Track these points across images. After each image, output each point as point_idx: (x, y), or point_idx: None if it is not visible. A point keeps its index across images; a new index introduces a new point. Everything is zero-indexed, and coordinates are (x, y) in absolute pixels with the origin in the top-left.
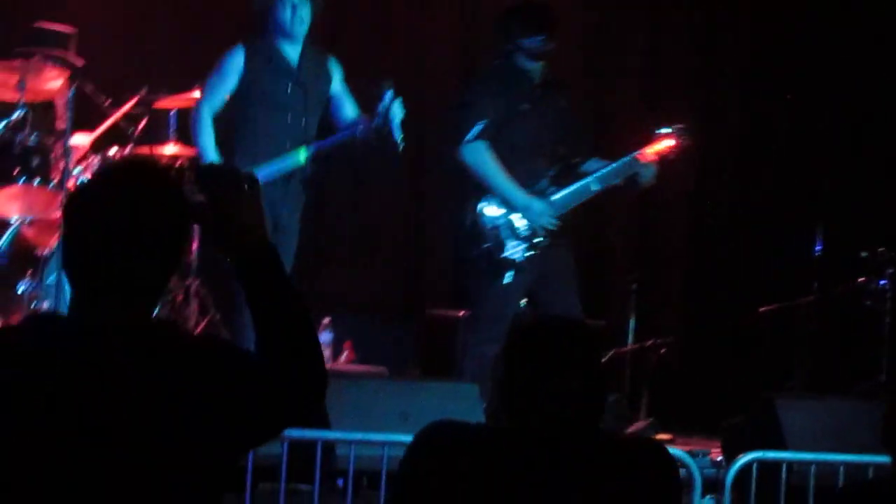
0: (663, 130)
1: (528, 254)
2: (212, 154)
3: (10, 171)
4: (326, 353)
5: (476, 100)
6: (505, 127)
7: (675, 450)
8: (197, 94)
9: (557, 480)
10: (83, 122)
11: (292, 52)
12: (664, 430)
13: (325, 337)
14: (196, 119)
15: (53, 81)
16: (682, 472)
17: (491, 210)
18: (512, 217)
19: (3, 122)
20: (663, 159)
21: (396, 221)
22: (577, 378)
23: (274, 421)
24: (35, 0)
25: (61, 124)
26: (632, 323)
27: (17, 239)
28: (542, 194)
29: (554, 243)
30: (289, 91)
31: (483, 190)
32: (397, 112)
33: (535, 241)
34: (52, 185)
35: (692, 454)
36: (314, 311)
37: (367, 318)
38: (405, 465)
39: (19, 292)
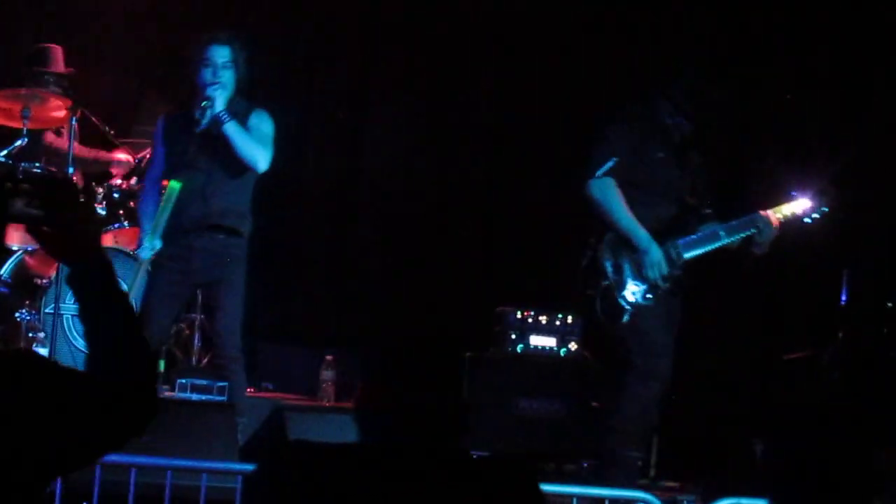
0: (796, 194)
1: (648, 296)
2: (144, 220)
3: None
4: (329, 390)
5: (611, 136)
6: (636, 169)
7: (645, 494)
8: None
9: (410, 497)
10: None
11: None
12: (673, 479)
13: (327, 375)
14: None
15: (58, 111)
16: None
17: (614, 248)
18: (637, 257)
19: (6, 150)
20: (788, 223)
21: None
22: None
23: (95, 440)
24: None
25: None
26: None
27: (19, 268)
28: (669, 238)
29: (673, 291)
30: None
31: (604, 227)
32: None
33: (659, 285)
34: None
35: (675, 501)
36: (324, 346)
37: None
38: (250, 491)
39: (18, 321)
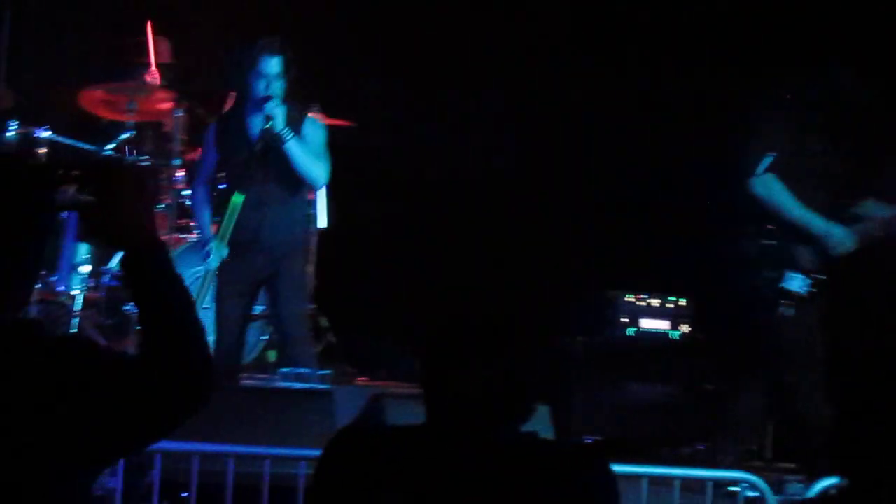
0: None
1: (812, 290)
2: (207, 230)
3: None
4: None
5: (767, 130)
6: (796, 161)
7: (748, 475)
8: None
9: (473, 479)
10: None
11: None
12: (789, 460)
13: None
14: (192, 196)
15: (163, 103)
16: (753, 495)
17: (774, 240)
18: (799, 249)
19: (114, 143)
20: None
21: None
22: (491, 376)
23: (147, 425)
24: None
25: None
26: None
27: None
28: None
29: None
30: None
31: (762, 220)
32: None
33: (818, 277)
34: (162, 206)
35: (783, 481)
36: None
37: None
38: (318, 476)
39: (128, 314)
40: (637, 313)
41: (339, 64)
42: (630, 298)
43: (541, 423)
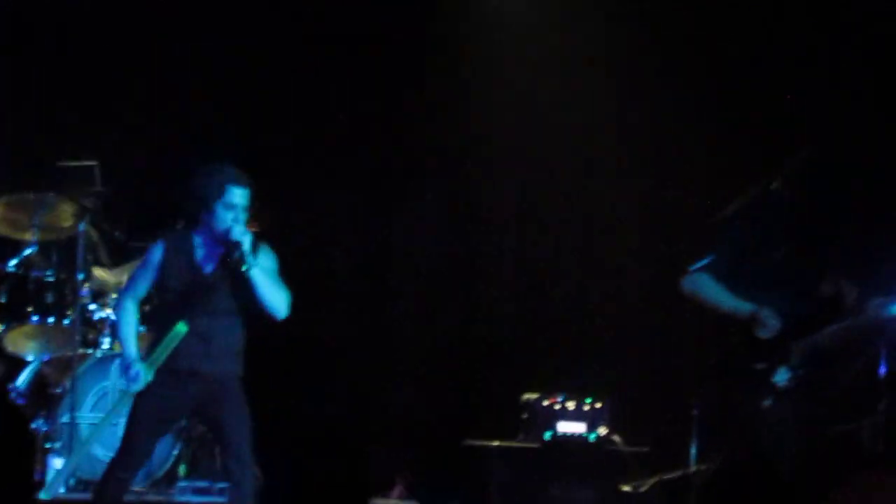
0: None
1: (790, 383)
2: (132, 348)
3: (24, 309)
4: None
5: (724, 233)
6: (753, 263)
7: None
8: None
9: None
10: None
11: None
12: None
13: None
14: (118, 308)
15: (68, 219)
16: None
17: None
18: (783, 345)
19: (16, 259)
20: None
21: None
22: None
23: None
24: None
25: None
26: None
27: (35, 377)
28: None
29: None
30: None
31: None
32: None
33: (800, 371)
34: (66, 321)
35: None
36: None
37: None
38: None
39: (34, 430)
40: (553, 416)
41: None
42: (546, 402)
43: None
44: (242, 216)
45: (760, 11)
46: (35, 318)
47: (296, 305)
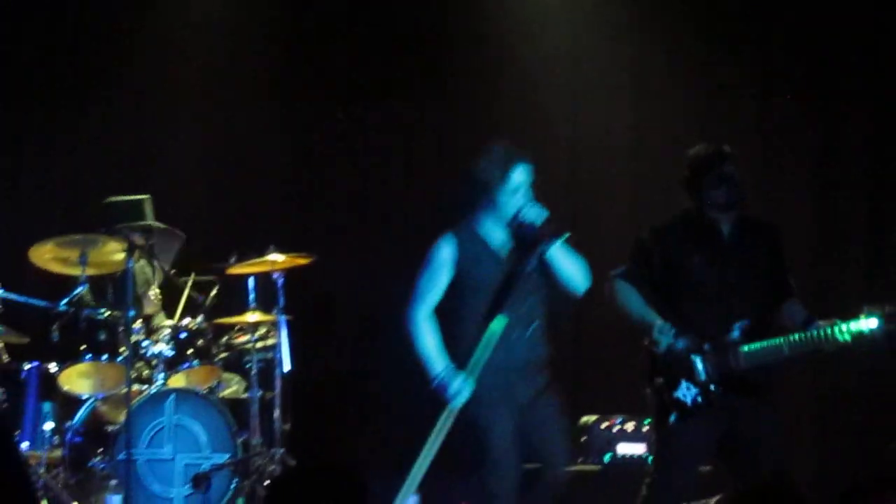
0: (871, 310)
1: (698, 399)
2: (438, 359)
3: (77, 347)
4: None
5: (641, 242)
6: (673, 277)
7: None
8: (272, 257)
9: None
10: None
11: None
12: None
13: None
14: (412, 323)
15: (116, 254)
16: None
17: (670, 346)
18: (694, 358)
19: (67, 298)
20: (858, 342)
21: None
22: None
23: None
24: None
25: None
26: None
27: (91, 416)
28: (731, 344)
29: (747, 402)
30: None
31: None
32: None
33: (710, 388)
34: (119, 359)
35: None
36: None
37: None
38: None
39: (92, 469)
40: (612, 439)
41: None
42: (604, 424)
43: None
44: (529, 194)
45: None
46: (88, 356)
47: None
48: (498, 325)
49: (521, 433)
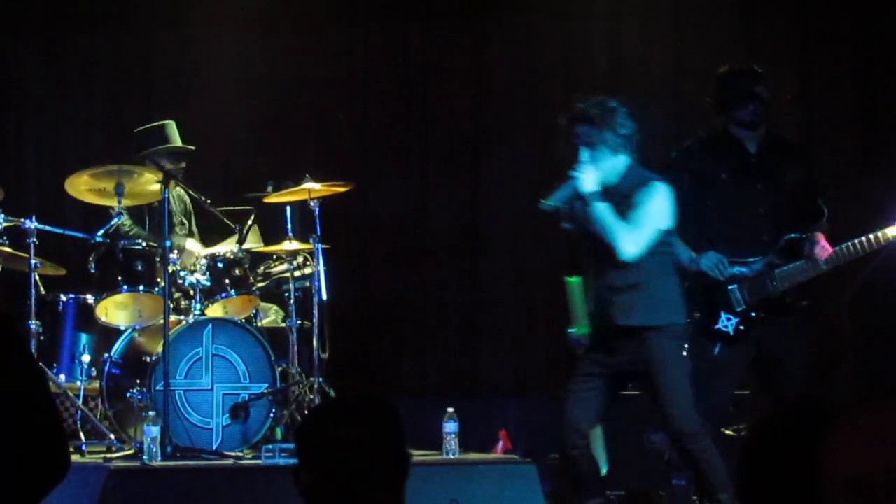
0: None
1: (740, 328)
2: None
3: (114, 278)
4: (452, 443)
5: (671, 162)
6: (703, 196)
7: None
8: (309, 185)
9: None
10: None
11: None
12: None
13: (450, 427)
14: None
15: (152, 184)
16: None
17: (706, 279)
18: (731, 287)
19: (104, 229)
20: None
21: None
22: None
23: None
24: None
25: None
26: None
27: (129, 347)
28: (766, 267)
29: (779, 319)
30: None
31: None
32: None
33: (751, 314)
34: (157, 289)
35: None
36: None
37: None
38: None
39: (130, 400)
40: None
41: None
42: None
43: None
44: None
45: None
46: (125, 287)
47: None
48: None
49: None
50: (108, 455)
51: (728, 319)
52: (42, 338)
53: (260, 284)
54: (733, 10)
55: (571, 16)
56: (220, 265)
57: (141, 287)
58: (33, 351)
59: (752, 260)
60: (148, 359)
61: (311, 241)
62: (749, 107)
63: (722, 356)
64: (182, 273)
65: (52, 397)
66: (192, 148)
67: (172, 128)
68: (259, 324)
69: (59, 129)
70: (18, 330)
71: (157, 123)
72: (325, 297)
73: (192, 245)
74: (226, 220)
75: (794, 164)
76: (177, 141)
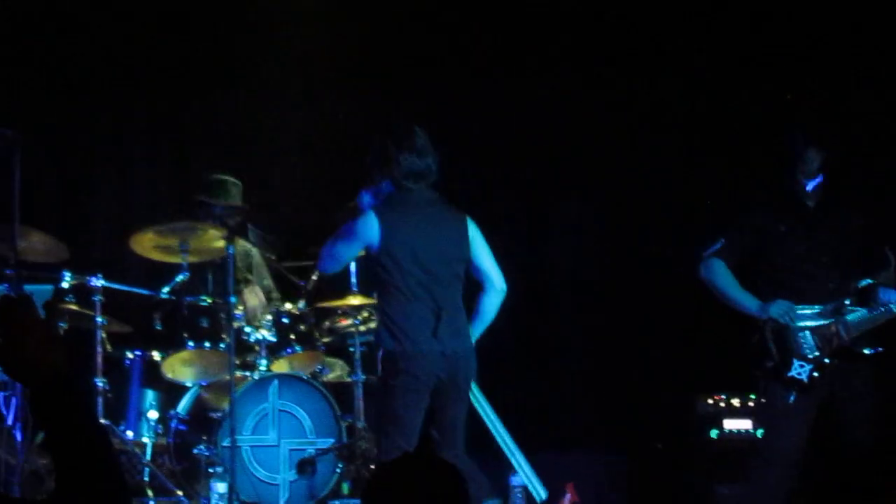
0: None
1: (814, 375)
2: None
3: (180, 335)
4: (519, 496)
5: (733, 216)
6: (764, 246)
7: None
8: None
9: None
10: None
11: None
12: None
13: (517, 480)
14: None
15: (216, 241)
16: None
17: (778, 327)
18: (803, 335)
19: (169, 286)
20: None
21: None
22: None
23: None
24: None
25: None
26: None
27: (195, 403)
28: (836, 315)
29: (849, 366)
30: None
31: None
32: None
33: (825, 361)
34: (222, 346)
35: None
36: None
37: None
38: None
39: (197, 456)
40: (718, 415)
41: None
42: (710, 400)
43: None
44: None
45: None
46: (191, 343)
47: None
48: None
49: None
50: None
51: (801, 366)
52: (109, 395)
53: (325, 340)
54: None
55: None
56: (285, 321)
57: (206, 343)
58: (100, 408)
59: (819, 308)
60: (214, 415)
61: (374, 295)
62: (807, 157)
63: (797, 403)
64: (247, 329)
65: (115, 456)
66: (246, 206)
67: (233, 185)
68: (324, 379)
69: (124, 187)
70: (80, 388)
71: (215, 177)
72: None
73: (251, 295)
74: (290, 277)
75: (855, 211)
76: (235, 198)
